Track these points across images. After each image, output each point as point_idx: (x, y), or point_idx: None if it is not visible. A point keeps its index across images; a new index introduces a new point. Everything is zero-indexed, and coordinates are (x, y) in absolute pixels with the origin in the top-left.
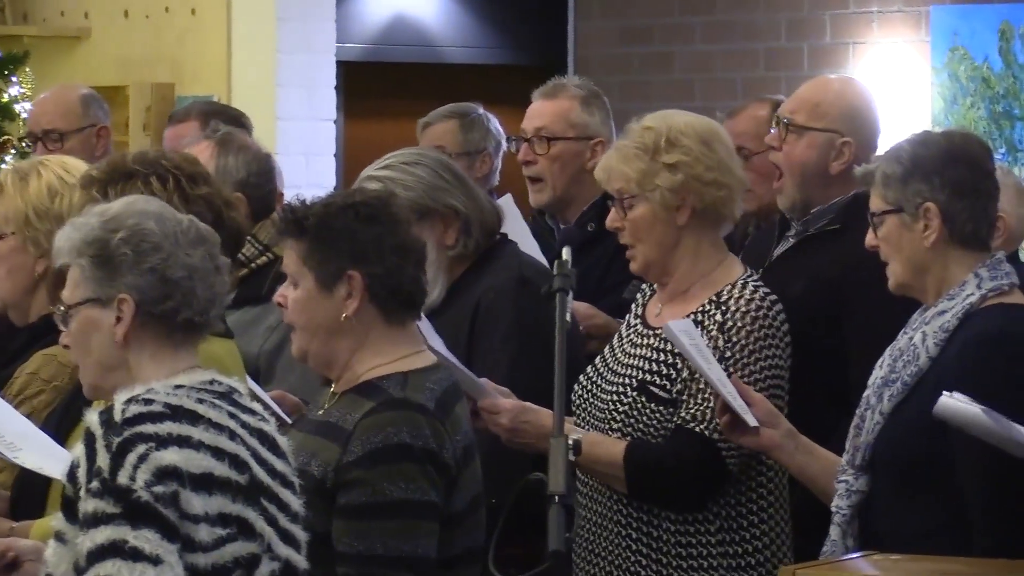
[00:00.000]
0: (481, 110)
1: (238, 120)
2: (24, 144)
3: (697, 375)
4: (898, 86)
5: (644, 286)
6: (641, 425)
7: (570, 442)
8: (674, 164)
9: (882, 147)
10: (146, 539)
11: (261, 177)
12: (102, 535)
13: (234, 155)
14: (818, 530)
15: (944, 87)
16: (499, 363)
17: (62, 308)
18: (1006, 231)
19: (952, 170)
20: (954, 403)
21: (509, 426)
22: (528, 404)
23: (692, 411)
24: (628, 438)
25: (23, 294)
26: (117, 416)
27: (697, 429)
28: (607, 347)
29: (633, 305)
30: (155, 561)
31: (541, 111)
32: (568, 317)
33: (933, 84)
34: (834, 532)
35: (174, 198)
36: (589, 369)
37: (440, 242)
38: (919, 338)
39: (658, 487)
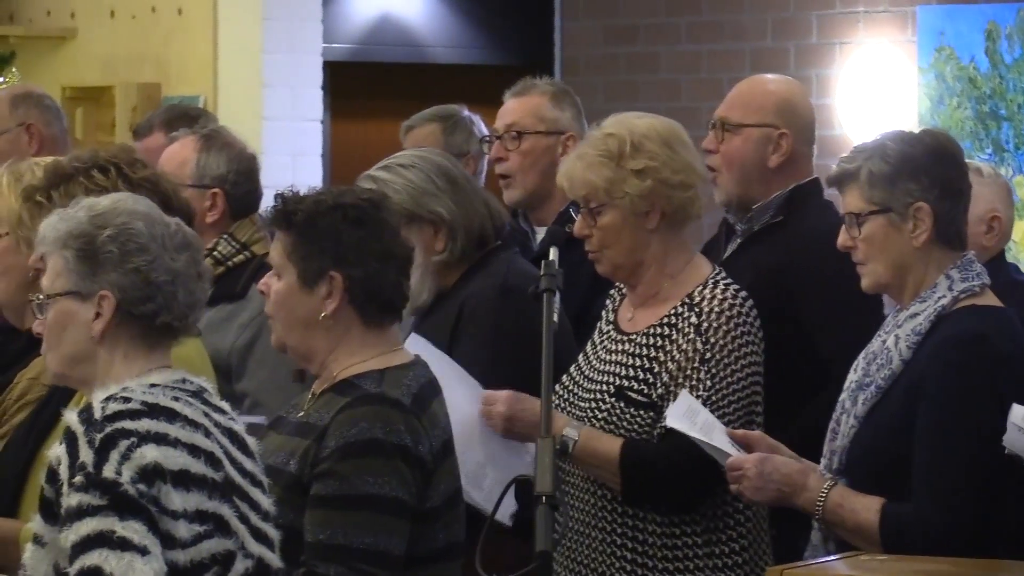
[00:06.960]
0: (466, 112)
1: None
2: None
3: (680, 379)
4: (884, 86)
5: (613, 291)
6: (622, 431)
7: (568, 435)
8: (642, 170)
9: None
10: (134, 530)
11: (242, 176)
12: (87, 527)
13: (216, 152)
14: (792, 531)
15: (930, 87)
16: (472, 369)
17: (40, 296)
18: (1000, 230)
19: (940, 169)
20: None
21: (507, 414)
22: (522, 394)
23: None
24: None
25: (17, 294)
26: (97, 414)
27: None
28: (581, 355)
29: (604, 312)
30: (143, 551)
31: (511, 108)
32: (556, 318)
33: (920, 84)
34: (815, 536)
35: (119, 185)
36: (565, 377)
37: (428, 247)
38: (892, 341)
39: (652, 489)
